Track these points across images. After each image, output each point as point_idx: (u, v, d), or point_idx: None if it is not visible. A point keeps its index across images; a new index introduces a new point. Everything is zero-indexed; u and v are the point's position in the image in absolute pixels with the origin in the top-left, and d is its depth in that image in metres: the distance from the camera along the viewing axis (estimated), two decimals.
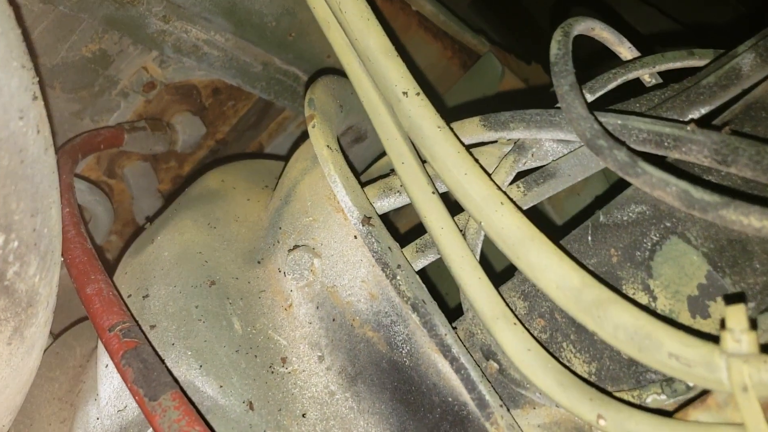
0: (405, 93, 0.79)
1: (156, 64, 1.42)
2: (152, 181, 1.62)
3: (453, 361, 0.76)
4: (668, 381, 0.71)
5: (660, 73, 0.91)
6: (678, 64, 0.85)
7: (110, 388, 0.90)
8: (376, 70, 0.81)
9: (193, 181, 1.78)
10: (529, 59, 1.97)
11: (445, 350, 0.76)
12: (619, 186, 0.82)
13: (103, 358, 0.93)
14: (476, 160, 0.76)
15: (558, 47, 0.74)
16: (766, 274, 0.69)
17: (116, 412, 0.88)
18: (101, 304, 0.83)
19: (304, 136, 1.83)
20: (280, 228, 0.95)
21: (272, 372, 0.88)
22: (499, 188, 0.73)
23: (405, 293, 0.78)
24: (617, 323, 0.63)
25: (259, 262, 0.97)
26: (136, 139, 1.42)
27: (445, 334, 0.76)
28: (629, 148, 0.64)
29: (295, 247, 0.91)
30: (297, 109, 1.71)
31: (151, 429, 0.86)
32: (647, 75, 0.89)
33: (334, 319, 0.87)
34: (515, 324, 0.73)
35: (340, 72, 1.17)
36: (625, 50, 0.90)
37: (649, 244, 0.76)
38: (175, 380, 0.76)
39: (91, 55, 1.30)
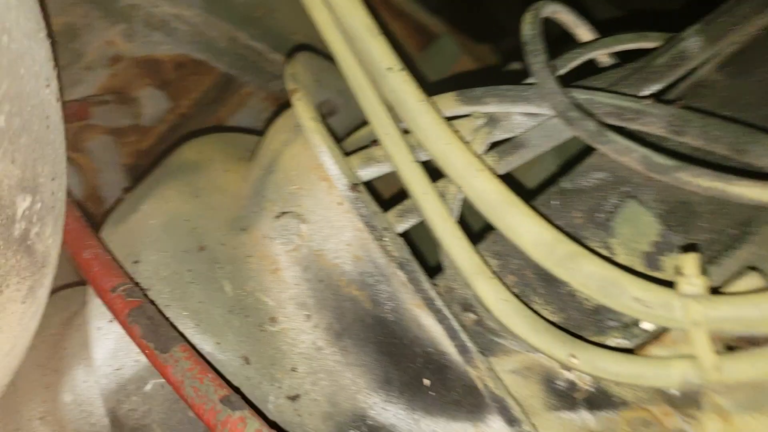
0: (390, 69, 0.85)
1: (122, 38, 1.44)
2: (115, 155, 1.64)
3: (437, 312, 0.83)
4: (626, 326, 0.81)
5: (615, 54, 1.00)
6: (632, 45, 0.95)
7: (105, 349, 0.95)
8: (362, 48, 0.88)
9: (155, 155, 1.81)
10: (481, 39, 2.05)
11: (430, 303, 0.84)
12: (570, 165, 0.91)
13: (95, 322, 0.97)
14: (456, 132, 0.83)
15: (530, 28, 0.82)
16: (710, 232, 0.79)
17: (113, 371, 0.93)
18: (100, 267, 0.87)
19: (265, 110, 1.88)
20: (265, 196, 1.01)
21: (263, 330, 0.95)
22: (478, 157, 0.81)
23: (392, 253, 0.86)
24: (587, 273, 0.72)
25: (243, 230, 1.02)
26: (102, 112, 1.44)
27: (429, 290, 0.84)
28: (597, 120, 0.72)
29: (283, 213, 0.97)
30: (260, 84, 1.75)
31: (149, 384, 0.91)
32: (602, 55, 0.98)
33: (321, 280, 0.94)
34: (493, 278, 0.81)
35: (308, 48, 1.23)
36: (584, 32, 0.98)
37: (608, 206, 0.85)
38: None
39: (57, 28, 1.31)
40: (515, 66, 1.67)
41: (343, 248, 0.92)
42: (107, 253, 0.91)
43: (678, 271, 0.66)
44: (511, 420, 0.80)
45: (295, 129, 1.02)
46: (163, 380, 0.89)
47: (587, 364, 0.73)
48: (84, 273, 0.88)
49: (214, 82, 1.73)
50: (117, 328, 0.94)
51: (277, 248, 0.97)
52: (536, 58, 0.79)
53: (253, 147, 1.27)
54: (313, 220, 0.95)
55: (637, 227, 0.83)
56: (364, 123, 1.10)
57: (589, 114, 0.74)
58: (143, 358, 0.92)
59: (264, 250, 0.99)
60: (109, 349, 0.94)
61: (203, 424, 0.87)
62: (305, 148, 0.97)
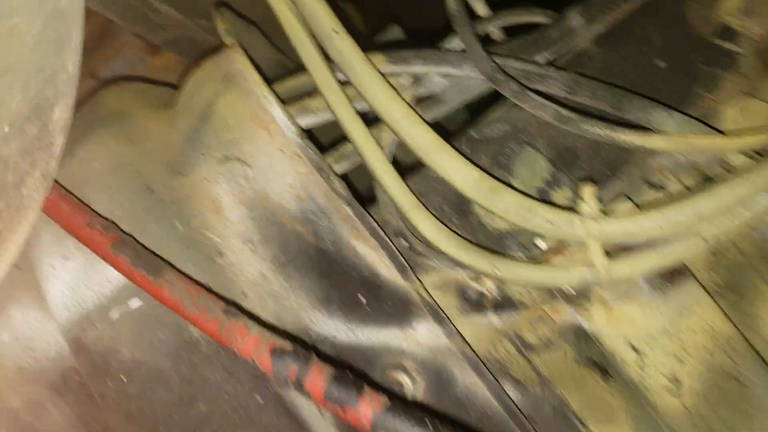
0: (335, 32, 0.99)
1: None
2: None
3: (380, 240, 1.00)
4: (524, 246, 1.03)
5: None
6: (524, 19, 1.16)
7: (63, 284, 1.01)
8: (308, 12, 1.00)
9: None
10: None
11: (373, 233, 1.00)
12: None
13: (47, 260, 1.03)
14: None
15: (455, 4, 1.00)
16: (589, 171, 1.02)
17: (74, 304, 1.00)
18: (69, 206, 0.94)
19: (141, 60, 1.91)
20: (203, 143, 1.10)
21: (213, 263, 1.06)
22: (414, 110, 0.98)
23: (341, 192, 1.00)
24: (508, 202, 0.92)
25: (181, 174, 1.11)
26: None
27: (372, 222, 1.01)
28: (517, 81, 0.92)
29: (226, 158, 1.07)
30: (140, 34, 1.77)
31: (115, 311, 1.00)
32: (495, 28, 1.18)
33: (265, 218, 1.06)
34: (426, 211, 0.99)
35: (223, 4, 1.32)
36: (482, 7, 1.18)
37: (509, 152, 1.06)
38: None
39: None
40: (396, 32, 1.85)
41: (286, 190, 1.05)
42: (67, 192, 0.97)
43: (579, 197, 0.89)
44: (440, 320, 0.99)
45: (224, 80, 1.12)
46: (130, 307, 0.99)
47: (507, 273, 0.93)
48: (52, 213, 0.93)
49: (93, 30, 1.73)
50: (73, 264, 1.02)
51: (220, 190, 1.08)
52: (464, 29, 0.97)
53: (160, 96, 1.35)
54: (256, 165, 1.06)
55: (532, 169, 1.05)
56: (284, 76, 1.23)
57: (511, 76, 0.94)
58: (105, 290, 1.01)
59: (204, 192, 1.09)
60: (68, 284, 1.01)
61: (172, 343, 0.98)
62: (240, 99, 1.08)
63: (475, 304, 1.06)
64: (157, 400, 0.97)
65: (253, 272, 1.06)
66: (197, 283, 0.88)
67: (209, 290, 0.87)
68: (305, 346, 0.81)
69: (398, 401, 0.73)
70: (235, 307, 0.85)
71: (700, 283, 0.94)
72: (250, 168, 1.06)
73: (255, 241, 1.07)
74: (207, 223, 1.08)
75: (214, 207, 1.09)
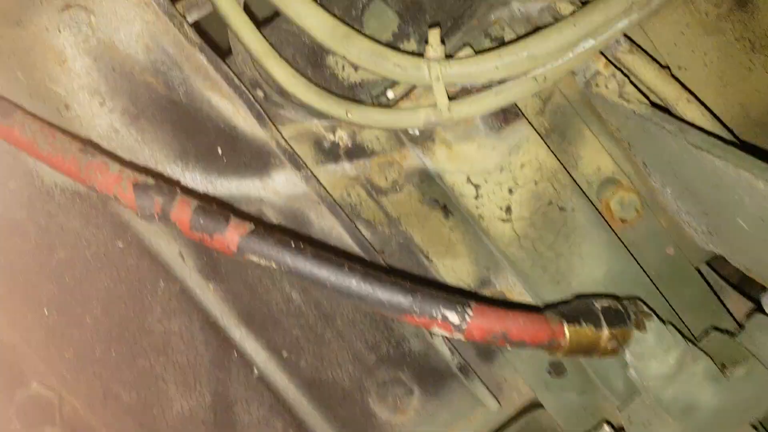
0: None
1: None
2: None
3: (236, 89, 1.02)
4: (375, 97, 1.09)
5: None
6: None
7: None
8: None
9: None
10: None
11: (229, 82, 1.01)
12: None
13: None
14: None
15: None
16: (434, 24, 1.08)
17: None
18: None
19: None
20: None
21: (61, 116, 1.03)
22: None
23: (193, 39, 1.00)
24: (360, 48, 0.96)
25: (18, 24, 1.05)
26: None
27: (228, 71, 1.02)
28: None
29: (67, 6, 1.03)
30: None
31: None
32: None
33: (113, 69, 1.04)
34: (281, 59, 1.02)
35: None
36: None
37: (360, 5, 1.09)
38: None
39: None
40: None
41: (133, 39, 1.03)
42: None
43: (426, 41, 0.95)
44: (297, 167, 1.04)
45: None
46: None
47: (359, 117, 0.99)
48: None
49: None
50: None
51: (63, 40, 1.04)
52: None
53: None
54: (99, 12, 1.03)
55: (381, 21, 1.10)
56: None
57: None
58: None
59: (46, 42, 1.04)
60: None
61: (24, 193, 0.97)
62: None
63: (330, 153, 1.12)
64: (13, 251, 0.96)
65: (102, 125, 1.05)
66: (51, 125, 0.86)
67: (63, 131, 0.85)
68: (168, 182, 0.83)
69: (262, 225, 0.78)
70: (92, 146, 0.84)
71: (531, 125, 1.04)
72: (94, 15, 1.02)
73: (103, 93, 1.04)
74: (51, 75, 1.04)
75: (57, 58, 1.04)
